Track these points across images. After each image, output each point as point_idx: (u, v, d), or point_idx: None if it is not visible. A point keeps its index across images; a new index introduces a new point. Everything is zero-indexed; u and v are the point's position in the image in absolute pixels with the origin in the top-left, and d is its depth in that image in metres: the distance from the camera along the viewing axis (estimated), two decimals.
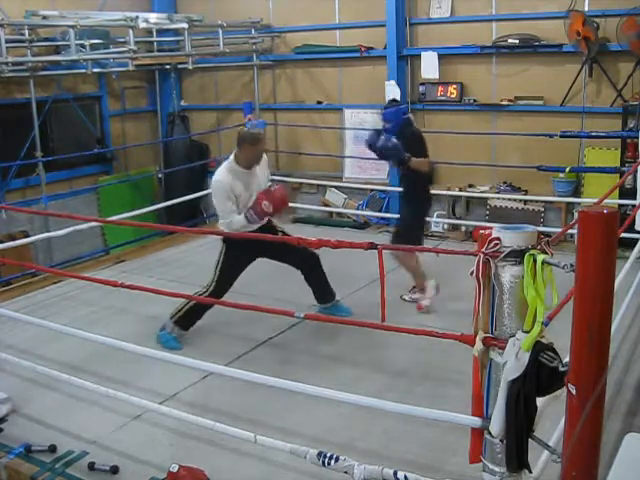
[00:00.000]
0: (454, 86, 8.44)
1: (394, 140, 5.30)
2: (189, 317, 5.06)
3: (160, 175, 10.20)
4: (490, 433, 2.46)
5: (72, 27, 7.77)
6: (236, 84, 10.37)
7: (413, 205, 5.70)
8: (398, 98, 7.27)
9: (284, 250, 5.03)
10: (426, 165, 5.52)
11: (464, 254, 2.61)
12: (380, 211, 9.02)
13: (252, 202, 4.92)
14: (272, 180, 6.29)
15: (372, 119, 9.15)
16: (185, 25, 8.96)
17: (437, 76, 8.40)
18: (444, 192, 8.40)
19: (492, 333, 2.45)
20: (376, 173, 9.25)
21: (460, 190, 8.40)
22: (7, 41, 7.66)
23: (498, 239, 2.36)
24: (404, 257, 5.57)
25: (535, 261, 2.28)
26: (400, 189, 6.04)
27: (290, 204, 5.10)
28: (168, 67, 10.10)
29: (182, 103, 10.72)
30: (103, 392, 3.74)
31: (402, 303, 5.69)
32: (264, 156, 5.19)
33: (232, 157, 5.03)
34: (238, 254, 5.07)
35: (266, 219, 5.07)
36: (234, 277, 5.12)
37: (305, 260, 5.30)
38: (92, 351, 4.64)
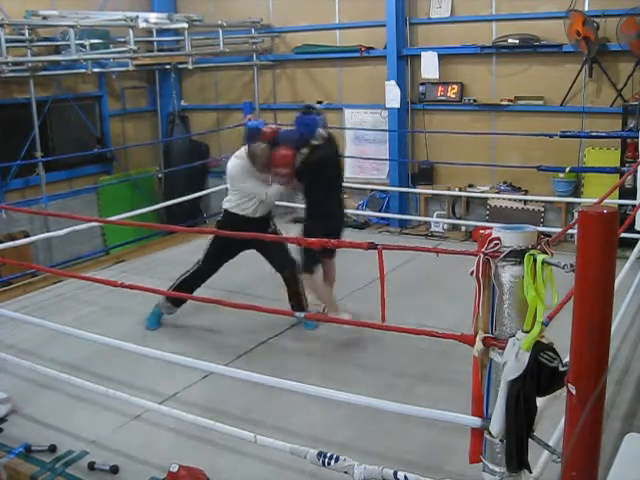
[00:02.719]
0: (454, 86, 8.44)
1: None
2: (178, 291, 5.21)
3: (160, 175, 10.18)
4: (490, 433, 2.46)
5: (72, 27, 7.79)
6: (236, 84, 10.37)
7: (310, 220, 5.18)
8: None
9: (267, 247, 5.13)
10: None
11: (464, 254, 2.60)
12: (380, 211, 9.02)
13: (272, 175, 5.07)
14: None
15: (372, 119, 9.18)
16: (185, 25, 8.97)
17: (437, 76, 8.40)
18: (444, 192, 8.42)
19: (492, 333, 2.45)
20: (376, 173, 9.26)
21: (460, 190, 8.41)
22: (7, 41, 7.67)
23: (498, 239, 2.36)
24: (310, 284, 5.20)
25: (535, 261, 2.28)
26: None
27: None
28: (168, 67, 10.09)
29: (182, 103, 10.72)
30: (103, 392, 3.74)
31: (402, 303, 5.60)
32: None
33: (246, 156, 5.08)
34: (225, 241, 5.18)
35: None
36: (221, 260, 5.29)
37: (282, 264, 5.30)
38: (92, 351, 4.64)
